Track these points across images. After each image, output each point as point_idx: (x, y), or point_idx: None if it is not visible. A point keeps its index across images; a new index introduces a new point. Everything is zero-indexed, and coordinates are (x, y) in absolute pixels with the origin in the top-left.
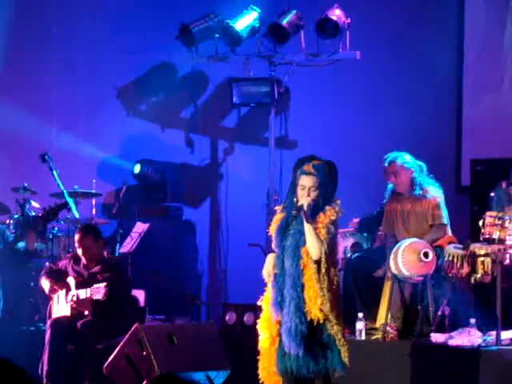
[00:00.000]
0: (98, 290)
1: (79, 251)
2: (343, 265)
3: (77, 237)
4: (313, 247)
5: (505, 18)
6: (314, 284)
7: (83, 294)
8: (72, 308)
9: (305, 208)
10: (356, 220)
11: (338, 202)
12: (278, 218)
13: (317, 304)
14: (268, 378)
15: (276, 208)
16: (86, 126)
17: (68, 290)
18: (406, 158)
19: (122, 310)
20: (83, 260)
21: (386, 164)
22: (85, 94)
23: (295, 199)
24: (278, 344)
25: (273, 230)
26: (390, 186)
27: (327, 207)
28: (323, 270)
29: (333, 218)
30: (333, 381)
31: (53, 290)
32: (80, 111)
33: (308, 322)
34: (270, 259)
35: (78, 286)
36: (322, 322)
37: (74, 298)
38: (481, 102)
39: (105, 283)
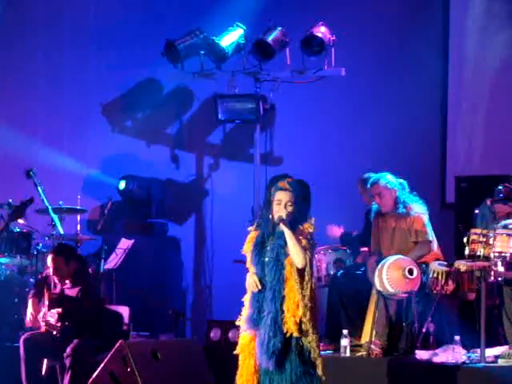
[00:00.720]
0: (53, 316)
1: (50, 271)
2: (328, 282)
3: (49, 257)
4: (297, 255)
5: (490, 37)
6: (295, 295)
7: (44, 317)
8: (45, 326)
9: (284, 217)
10: (339, 230)
11: (313, 219)
12: (252, 236)
13: (293, 316)
14: None
15: (249, 228)
16: (70, 141)
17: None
18: (388, 178)
19: (97, 326)
20: (55, 280)
21: (369, 186)
22: (70, 110)
23: (270, 216)
24: (255, 362)
25: (248, 248)
26: (375, 206)
27: (303, 222)
28: (307, 278)
29: (310, 230)
30: None
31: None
32: (65, 127)
33: (283, 335)
34: (251, 278)
35: (53, 304)
36: (296, 335)
37: (42, 322)
38: (466, 120)
39: (58, 310)
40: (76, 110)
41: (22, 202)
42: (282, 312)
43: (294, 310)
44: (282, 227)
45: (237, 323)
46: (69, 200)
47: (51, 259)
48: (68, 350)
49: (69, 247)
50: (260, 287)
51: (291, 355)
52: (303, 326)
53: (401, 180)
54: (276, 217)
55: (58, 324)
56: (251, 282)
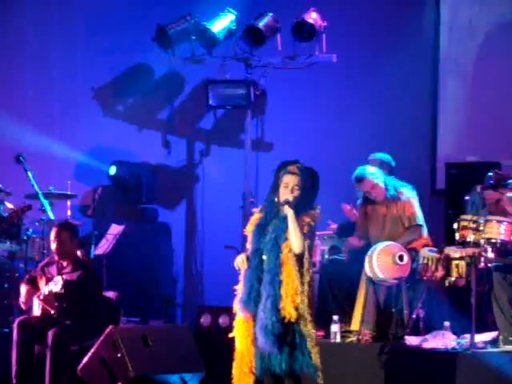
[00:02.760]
0: (56, 282)
1: (53, 246)
2: (319, 268)
3: (53, 231)
4: (296, 239)
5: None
6: (293, 280)
7: (46, 289)
8: (43, 309)
9: (291, 200)
10: (334, 226)
11: (319, 207)
12: (255, 217)
13: (293, 302)
14: (239, 378)
15: (254, 210)
16: (61, 127)
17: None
18: (371, 171)
19: (94, 310)
20: (55, 256)
21: (358, 182)
22: (60, 95)
23: (276, 199)
24: (253, 344)
25: (250, 229)
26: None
27: (308, 210)
28: (306, 264)
29: (314, 218)
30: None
31: (29, 298)
32: (55, 112)
33: (282, 320)
34: (240, 256)
35: (47, 284)
36: (294, 320)
37: (41, 297)
38: (456, 107)
39: (61, 276)
40: (66, 95)
41: (21, 209)
42: (280, 296)
43: (293, 295)
44: (287, 210)
45: (234, 305)
46: (59, 185)
47: (56, 233)
48: (48, 335)
49: (74, 224)
50: (246, 266)
51: (288, 340)
52: (301, 312)
53: (383, 155)
54: (282, 199)
55: (56, 304)
56: (239, 258)
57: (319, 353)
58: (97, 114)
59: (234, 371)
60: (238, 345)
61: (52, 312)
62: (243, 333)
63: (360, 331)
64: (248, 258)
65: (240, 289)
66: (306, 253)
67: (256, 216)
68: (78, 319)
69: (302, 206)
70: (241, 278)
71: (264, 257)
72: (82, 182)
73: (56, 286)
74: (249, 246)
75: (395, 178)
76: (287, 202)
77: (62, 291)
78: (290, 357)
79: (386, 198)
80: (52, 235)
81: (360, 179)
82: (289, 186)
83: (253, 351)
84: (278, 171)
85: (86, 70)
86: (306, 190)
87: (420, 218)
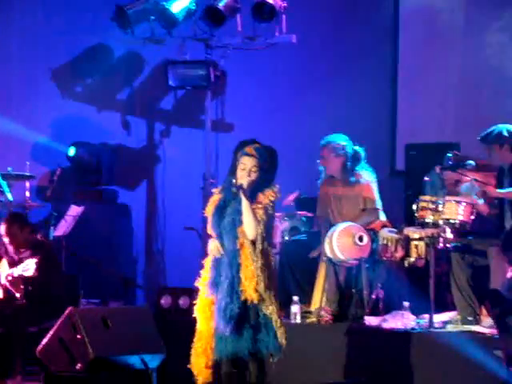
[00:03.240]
0: (28, 267)
1: (6, 240)
2: (279, 249)
3: (2, 228)
4: (249, 226)
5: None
6: (250, 263)
7: (15, 272)
8: (5, 290)
9: (244, 186)
10: (291, 197)
11: (277, 186)
12: (214, 198)
13: (252, 284)
14: (195, 356)
15: (213, 190)
16: (19, 107)
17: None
18: (338, 143)
19: (54, 292)
20: (10, 250)
21: (320, 145)
22: (19, 76)
23: (234, 180)
24: (214, 325)
25: (209, 210)
26: (321, 167)
27: (266, 189)
28: (258, 250)
29: (271, 198)
30: (268, 364)
31: None
32: (14, 92)
33: (242, 303)
34: (213, 243)
35: (11, 267)
36: (256, 302)
37: (10, 278)
38: (416, 88)
39: (35, 259)
40: (25, 75)
41: None
42: (239, 279)
43: (251, 278)
44: (241, 196)
45: (196, 284)
46: (17, 166)
47: (5, 229)
48: (7, 317)
49: (20, 214)
50: (222, 252)
51: (249, 322)
52: (261, 293)
53: (357, 148)
54: (238, 183)
55: (22, 287)
56: (214, 246)
57: (285, 333)
58: (56, 95)
59: (192, 350)
60: (199, 325)
61: (17, 295)
62: (205, 314)
63: (320, 312)
64: (222, 245)
65: (206, 271)
66: (259, 239)
67: (215, 197)
68: (37, 301)
69: (260, 186)
70: (205, 261)
71: (224, 240)
72: (41, 163)
73: (29, 270)
74: (209, 227)
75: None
76: (240, 187)
77: (34, 275)
78: (255, 339)
79: (344, 179)
80: (2, 230)
81: (324, 144)
82: (246, 168)
83: (212, 333)
84: (236, 152)
85: (44, 51)
86: (263, 170)
87: (377, 202)
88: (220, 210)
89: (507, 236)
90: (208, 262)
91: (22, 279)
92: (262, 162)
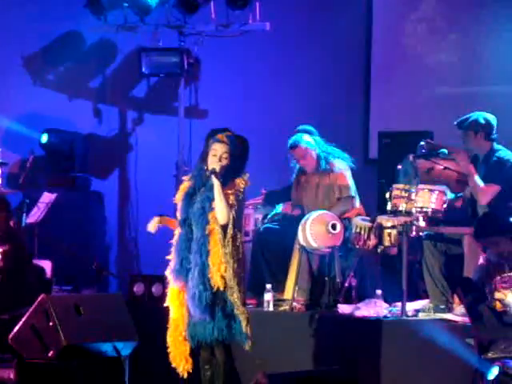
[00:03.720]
0: None
1: None
2: (252, 237)
3: None
4: (221, 211)
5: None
6: (219, 250)
7: None
8: None
9: (217, 170)
10: (264, 191)
11: (247, 174)
12: (184, 185)
13: (219, 271)
14: (175, 346)
15: (183, 177)
16: None
17: None
18: (306, 139)
19: (25, 279)
20: None
21: (291, 148)
22: None
23: (205, 167)
24: (186, 312)
25: (179, 197)
26: (297, 165)
27: (237, 177)
28: (229, 235)
29: (242, 185)
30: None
31: None
32: None
33: (211, 289)
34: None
35: None
36: (222, 289)
37: None
38: (389, 75)
39: (0, 249)
40: None
41: None
42: (209, 266)
43: (219, 264)
44: (213, 180)
45: (166, 273)
46: None
47: None
48: None
49: (1, 198)
50: (153, 230)
51: (215, 309)
52: (227, 280)
53: (306, 127)
54: (210, 168)
55: (1, 264)
56: (151, 222)
57: (247, 320)
58: (27, 83)
59: (169, 339)
60: (172, 314)
61: None
62: (177, 302)
63: (293, 300)
64: (160, 221)
65: (172, 258)
66: (230, 224)
67: (185, 184)
68: (7, 289)
69: (230, 174)
70: (173, 248)
71: (193, 227)
72: (13, 150)
73: None
74: (178, 214)
75: (331, 145)
76: (213, 172)
77: (1, 265)
78: (222, 325)
79: (318, 170)
80: None
81: (293, 146)
82: (217, 155)
83: (187, 320)
84: (208, 139)
85: (16, 37)
86: (234, 158)
87: (352, 189)
88: (189, 197)
89: (479, 223)
90: (173, 250)
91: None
92: (233, 149)
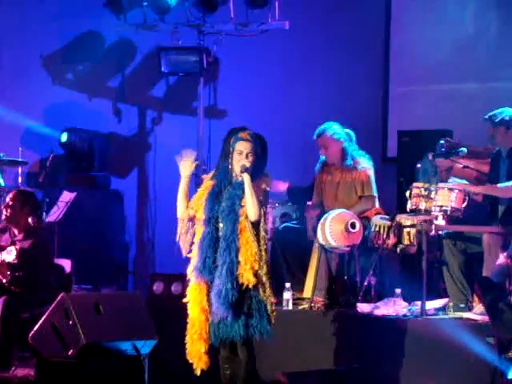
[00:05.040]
0: (9, 252)
1: (4, 212)
2: (271, 235)
3: (8, 197)
4: (253, 207)
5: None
6: (251, 247)
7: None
8: None
9: (248, 166)
10: (282, 186)
11: (268, 174)
12: (207, 184)
13: (251, 268)
14: (191, 343)
15: (203, 176)
16: (11, 94)
17: None
18: (334, 129)
19: (45, 278)
20: (3, 218)
21: (315, 137)
22: (10, 63)
23: (230, 166)
24: (208, 311)
25: (201, 195)
26: (323, 157)
27: (259, 176)
28: (262, 232)
29: (267, 184)
30: (256, 347)
31: None
32: (5, 78)
33: (239, 287)
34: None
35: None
36: (251, 286)
37: None
38: (408, 74)
39: (16, 246)
40: (16, 60)
41: None
42: (238, 263)
43: (252, 262)
44: (245, 177)
45: (187, 272)
46: (10, 152)
47: (9, 198)
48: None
49: (29, 192)
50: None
51: (245, 307)
52: (260, 278)
53: (348, 130)
54: (240, 165)
55: (9, 273)
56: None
57: (274, 318)
58: (47, 82)
59: (187, 338)
60: (190, 312)
61: (4, 281)
62: (196, 300)
63: (312, 298)
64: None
65: (194, 256)
66: (262, 220)
67: (208, 183)
68: (28, 287)
69: (255, 172)
70: (194, 247)
71: (221, 225)
72: (33, 149)
73: (9, 255)
74: (200, 214)
75: (356, 146)
76: (246, 169)
77: (16, 261)
78: (247, 323)
79: (342, 166)
80: (7, 198)
81: (320, 133)
82: (243, 153)
83: (204, 318)
84: (229, 138)
85: (35, 37)
86: (258, 156)
87: (374, 188)
88: (214, 196)
89: (507, 212)
90: (195, 248)
91: (8, 265)
92: (256, 147)
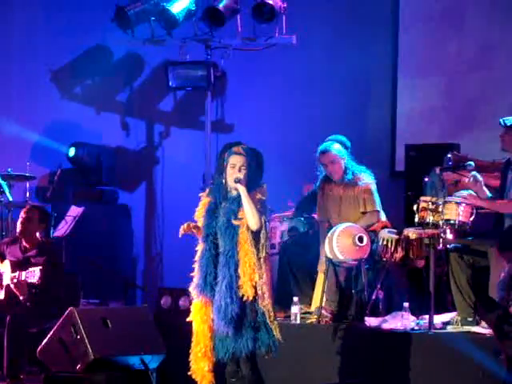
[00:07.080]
0: (33, 274)
1: (19, 224)
2: (279, 249)
3: (24, 211)
4: (253, 216)
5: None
6: (250, 259)
7: (22, 276)
8: (7, 291)
9: (241, 178)
10: (291, 204)
11: (265, 186)
12: (204, 202)
13: (250, 280)
14: (195, 361)
15: (200, 194)
16: (20, 108)
17: (3, 272)
18: (337, 147)
19: (56, 294)
20: (17, 231)
21: (321, 153)
22: (19, 77)
23: (224, 181)
24: (210, 327)
25: (200, 214)
26: (323, 173)
27: (255, 188)
28: (262, 240)
29: (263, 194)
30: (264, 361)
31: None
32: (14, 92)
33: (239, 300)
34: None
35: (14, 268)
36: (252, 298)
37: (15, 280)
38: (416, 89)
39: (39, 267)
40: (25, 75)
41: None
42: (238, 277)
43: (251, 273)
44: (239, 188)
45: (189, 289)
46: (18, 167)
47: (26, 212)
48: (7, 318)
49: (47, 211)
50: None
51: (247, 321)
52: (258, 289)
53: (340, 136)
54: (233, 177)
55: (27, 291)
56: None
57: (278, 328)
58: (55, 96)
59: (191, 356)
60: (195, 329)
61: (21, 298)
62: (201, 317)
63: (320, 308)
64: (195, 227)
65: (195, 274)
66: (263, 229)
67: (204, 200)
68: (39, 302)
69: (250, 185)
70: (195, 264)
71: (219, 241)
72: (41, 163)
73: (32, 277)
74: (199, 230)
75: (356, 161)
76: (239, 180)
77: (38, 282)
78: (254, 338)
79: (343, 181)
80: (22, 213)
81: (324, 151)
82: (236, 167)
83: (209, 335)
84: (223, 153)
85: (44, 51)
86: (252, 169)
87: (377, 203)
88: (211, 212)
89: (504, 236)
90: (196, 267)
91: (29, 284)
92: (250, 160)
